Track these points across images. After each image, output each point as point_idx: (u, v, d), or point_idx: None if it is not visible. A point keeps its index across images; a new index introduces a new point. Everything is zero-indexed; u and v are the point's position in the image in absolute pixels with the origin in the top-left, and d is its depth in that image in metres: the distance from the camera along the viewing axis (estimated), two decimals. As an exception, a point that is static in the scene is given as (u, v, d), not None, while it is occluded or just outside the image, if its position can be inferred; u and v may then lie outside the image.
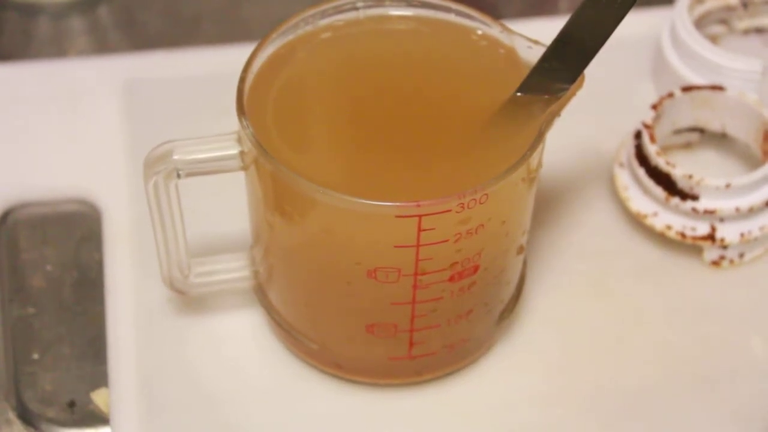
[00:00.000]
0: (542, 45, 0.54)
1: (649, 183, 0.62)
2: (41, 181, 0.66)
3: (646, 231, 0.64)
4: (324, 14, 0.56)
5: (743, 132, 0.65)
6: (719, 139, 0.67)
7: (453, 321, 0.55)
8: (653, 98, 0.67)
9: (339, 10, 0.56)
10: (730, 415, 0.58)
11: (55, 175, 0.66)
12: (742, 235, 0.62)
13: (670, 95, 0.64)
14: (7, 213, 0.65)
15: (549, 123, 0.52)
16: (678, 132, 0.66)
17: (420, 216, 0.50)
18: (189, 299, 0.60)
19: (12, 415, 0.59)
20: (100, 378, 0.60)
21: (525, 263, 0.60)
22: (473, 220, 0.51)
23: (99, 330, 0.61)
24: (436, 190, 0.50)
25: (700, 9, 0.69)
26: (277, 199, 0.52)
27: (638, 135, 0.64)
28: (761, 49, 0.70)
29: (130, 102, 0.69)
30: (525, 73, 0.54)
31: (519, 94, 0.53)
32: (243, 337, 0.60)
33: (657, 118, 0.64)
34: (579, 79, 0.53)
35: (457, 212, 0.50)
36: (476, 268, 0.53)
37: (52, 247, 0.64)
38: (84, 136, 0.68)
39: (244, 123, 0.52)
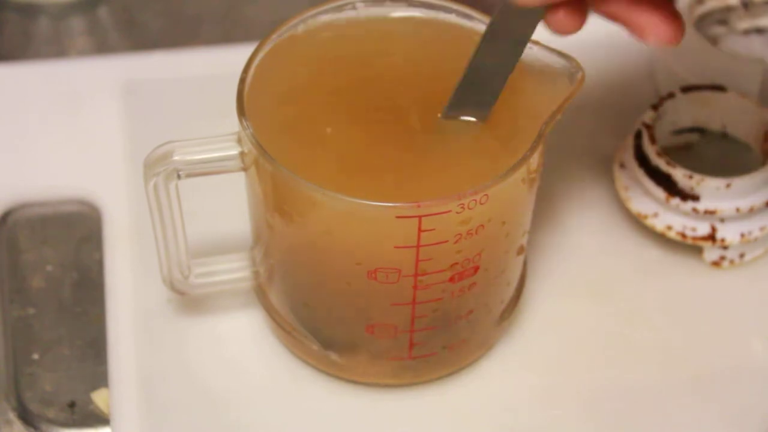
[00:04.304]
0: (542, 45, 0.54)
1: (650, 183, 0.62)
2: (41, 182, 0.66)
3: (647, 231, 0.64)
4: (324, 15, 0.56)
5: (743, 132, 0.65)
6: (719, 140, 0.66)
7: (453, 321, 0.55)
8: (653, 98, 0.67)
9: (338, 10, 0.56)
10: (730, 415, 0.58)
11: (55, 176, 0.66)
12: (742, 235, 0.62)
13: (671, 95, 0.64)
14: (7, 213, 0.65)
15: (549, 123, 0.52)
16: (678, 132, 0.66)
17: (420, 216, 0.50)
18: (189, 300, 0.60)
19: (12, 416, 0.59)
20: (100, 378, 0.60)
21: (525, 264, 0.60)
22: (473, 220, 0.51)
23: (99, 330, 0.61)
24: (436, 191, 0.50)
25: (700, 9, 0.69)
26: (278, 199, 0.52)
27: (638, 135, 0.64)
28: (761, 49, 0.70)
29: (130, 102, 0.69)
30: (525, 73, 0.54)
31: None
32: (243, 338, 0.60)
33: (657, 119, 0.64)
34: (579, 79, 0.53)
35: (457, 213, 0.50)
36: (476, 269, 0.53)
37: (52, 248, 0.64)
38: (84, 137, 0.68)
39: (245, 123, 0.52)
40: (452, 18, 0.57)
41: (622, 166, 0.64)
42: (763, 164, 0.62)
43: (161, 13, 0.78)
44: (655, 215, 0.62)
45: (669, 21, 0.48)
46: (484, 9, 0.56)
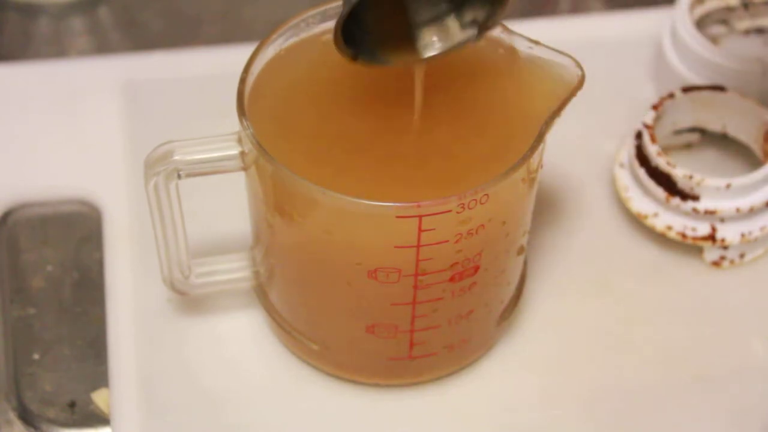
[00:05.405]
0: (543, 45, 0.54)
1: (650, 183, 0.62)
2: (41, 182, 0.66)
3: (647, 231, 0.64)
4: (324, 15, 0.56)
5: (744, 132, 0.65)
6: (720, 140, 0.67)
7: (453, 321, 0.55)
8: (653, 98, 0.67)
9: (339, 11, 0.56)
10: (730, 415, 0.58)
11: (55, 176, 0.66)
12: (742, 235, 0.62)
13: (671, 96, 0.64)
14: (8, 213, 0.65)
15: (549, 123, 0.52)
16: (678, 132, 0.66)
17: (420, 216, 0.50)
18: (189, 300, 0.60)
19: (12, 416, 0.59)
20: (100, 378, 0.60)
21: (525, 264, 0.60)
22: (474, 220, 0.51)
23: (99, 330, 0.61)
24: (436, 191, 0.50)
25: (701, 9, 0.69)
26: (278, 199, 0.52)
27: (639, 135, 0.64)
28: (761, 50, 0.70)
29: (130, 102, 0.69)
30: (525, 73, 0.54)
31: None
32: (243, 338, 0.60)
33: (657, 119, 0.64)
34: (579, 79, 0.53)
35: (457, 212, 0.50)
36: (477, 269, 0.53)
37: (52, 248, 0.64)
38: (84, 136, 0.68)
39: (245, 123, 0.52)
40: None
41: (623, 166, 0.64)
42: (763, 164, 0.62)
43: (161, 13, 0.78)
44: (655, 215, 0.62)
45: None
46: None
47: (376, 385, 0.58)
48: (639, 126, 0.64)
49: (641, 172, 0.62)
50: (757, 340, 0.61)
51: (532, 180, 0.53)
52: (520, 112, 0.53)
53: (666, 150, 0.65)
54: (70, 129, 0.68)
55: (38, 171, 0.66)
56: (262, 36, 0.55)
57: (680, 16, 0.67)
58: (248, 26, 0.77)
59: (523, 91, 0.54)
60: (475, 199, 0.50)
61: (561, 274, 0.62)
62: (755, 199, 0.62)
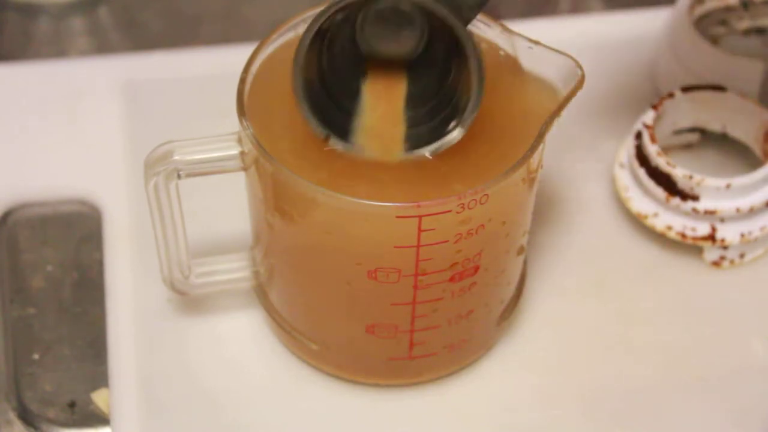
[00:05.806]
0: (542, 45, 0.54)
1: (650, 183, 0.62)
2: (41, 182, 0.66)
3: (647, 231, 0.64)
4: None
5: (743, 132, 0.65)
6: (719, 140, 0.67)
7: (453, 321, 0.55)
8: (653, 98, 0.67)
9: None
10: (730, 415, 0.58)
11: (55, 176, 0.66)
12: (742, 235, 0.62)
13: (671, 95, 0.64)
14: (8, 213, 0.65)
15: (549, 123, 0.52)
16: (678, 132, 0.66)
17: (420, 216, 0.50)
18: (189, 300, 0.60)
19: (12, 416, 0.59)
20: (100, 378, 0.60)
21: (525, 264, 0.60)
22: (473, 220, 0.51)
23: (99, 330, 0.61)
24: (436, 191, 0.50)
25: (700, 9, 0.69)
26: (278, 199, 0.52)
27: (639, 135, 0.64)
28: (761, 50, 0.70)
29: (130, 102, 0.69)
30: (525, 73, 0.54)
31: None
32: (243, 338, 0.60)
33: (657, 119, 0.64)
34: (579, 79, 0.53)
35: (457, 212, 0.50)
36: (476, 269, 0.53)
37: (52, 248, 0.64)
38: (84, 136, 0.68)
39: (245, 123, 0.52)
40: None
41: (623, 166, 0.64)
42: (763, 164, 0.62)
43: (161, 13, 0.78)
44: (655, 215, 0.62)
45: None
46: (485, 9, 0.56)
47: (376, 385, 0.58)
48: (639, 126, 0.64)
49: (641, 172, 0.62)
50: (757, 340, 0.61)
51: (532, 180, 0.53)
52: (520, 112, 0.53)
53: (666, 150, 0.65)
54: (70, 129, 0.68)
55: (38, 171, 0.67)
56: (262, 36, 0.55)
57: (680, 16, 0.67)
58: (248, 26, 0.77)
59: (523, 92, 0.54)
60: (475, 199, 0.50)
61: (561, 274, 0.62)
62: (755, 199, 0.62)
